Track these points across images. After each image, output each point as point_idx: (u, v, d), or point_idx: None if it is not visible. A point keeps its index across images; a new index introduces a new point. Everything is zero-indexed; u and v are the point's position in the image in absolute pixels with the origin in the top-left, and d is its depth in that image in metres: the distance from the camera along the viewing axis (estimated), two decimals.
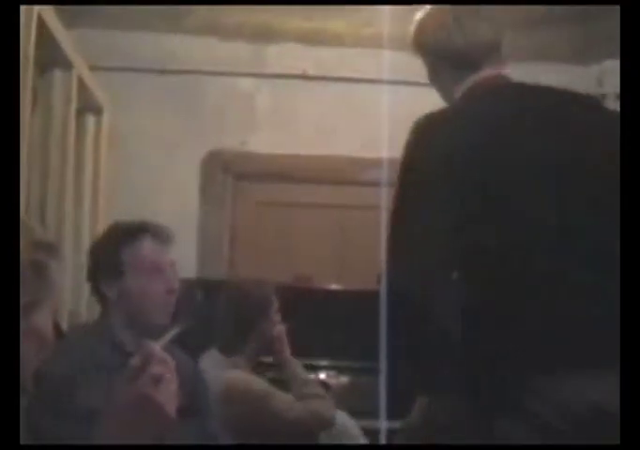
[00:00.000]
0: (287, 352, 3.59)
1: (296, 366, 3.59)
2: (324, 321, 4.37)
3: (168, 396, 1.54)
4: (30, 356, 1.69)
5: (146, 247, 2.61)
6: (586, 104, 2.60)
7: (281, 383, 3.55)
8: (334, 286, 4.98)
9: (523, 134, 2.38)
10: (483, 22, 2.63)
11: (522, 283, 2.27)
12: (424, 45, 2.67)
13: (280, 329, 3.59)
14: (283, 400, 3.42)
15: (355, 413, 3.82)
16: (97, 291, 2.65)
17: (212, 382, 3.03)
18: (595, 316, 2.25)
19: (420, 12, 2.71)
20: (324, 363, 4.40)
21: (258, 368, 3.62)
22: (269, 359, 3.68)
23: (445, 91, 2.69)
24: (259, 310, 3.58)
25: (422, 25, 2.68)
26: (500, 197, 2.31)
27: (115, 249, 2.61)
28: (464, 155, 2.32)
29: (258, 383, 3.46)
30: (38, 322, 1.74)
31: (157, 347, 1.57)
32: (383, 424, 2.98)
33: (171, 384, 1.56)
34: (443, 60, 2.63)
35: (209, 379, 2.98)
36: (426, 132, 2.41)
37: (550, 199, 2.32)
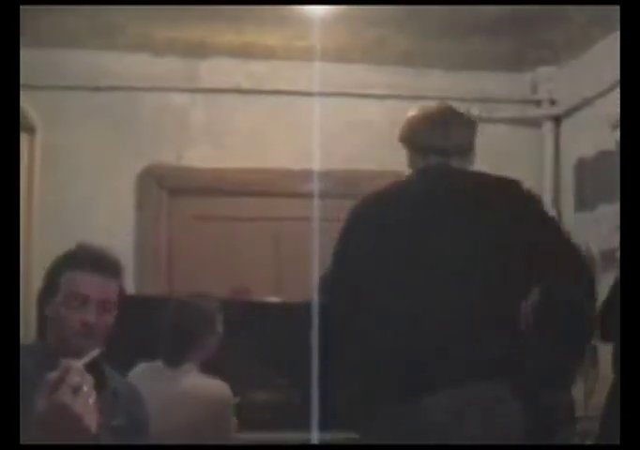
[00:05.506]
0: None
1: None
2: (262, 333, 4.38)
3: (86, 408, 1.56)
4: None
5: (81, 277, 2.65)
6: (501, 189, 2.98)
7: None
8: (271, 298, 5.00)
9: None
10: (464, 128, 3.12)
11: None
12: (409, 140, 3.10)
13: None
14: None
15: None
16: (40, 309, 2.71)
17: (152, 395, 3.03)
18: None
19: (413, 110, 3.15)
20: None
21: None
22: None
23: None
24: (206, 325, 3.61)
25: (412, 123, 3.12)
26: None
27: (57, 272, 2.67)
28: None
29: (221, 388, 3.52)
30: None
31: (75, 362, 1.59)
32: (315, 436, 3.03)
33: (89, 397, 1.57)
34: (421, 152, 3.07)
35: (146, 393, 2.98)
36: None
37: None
